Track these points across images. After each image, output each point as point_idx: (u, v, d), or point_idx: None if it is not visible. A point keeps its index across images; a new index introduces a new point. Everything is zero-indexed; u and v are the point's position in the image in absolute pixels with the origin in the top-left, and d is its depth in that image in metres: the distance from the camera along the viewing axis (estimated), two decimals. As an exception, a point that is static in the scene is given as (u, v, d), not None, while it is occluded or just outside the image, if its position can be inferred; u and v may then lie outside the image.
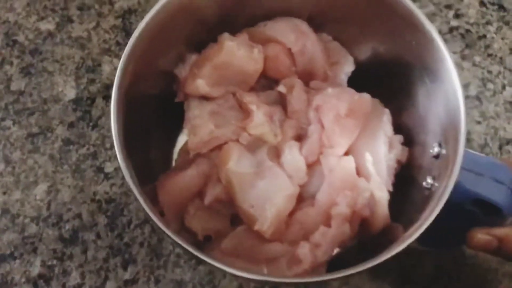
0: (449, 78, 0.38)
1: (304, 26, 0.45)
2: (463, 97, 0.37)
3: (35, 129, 0.54)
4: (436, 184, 0.37)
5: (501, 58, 0.58)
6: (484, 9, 0.61)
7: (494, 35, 0.60)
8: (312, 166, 0.43)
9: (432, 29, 0.38)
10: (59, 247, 0.49)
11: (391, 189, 0.42)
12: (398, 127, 0.45)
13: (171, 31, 0.41)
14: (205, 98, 0.44)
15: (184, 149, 0.47)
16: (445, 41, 0.57)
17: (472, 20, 0.60)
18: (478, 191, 0.36)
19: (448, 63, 0.37)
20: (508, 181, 0.36)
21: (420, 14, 0.39)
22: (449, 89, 0.38)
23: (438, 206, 0.34)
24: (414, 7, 0.39)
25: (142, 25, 0.39)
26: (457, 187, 0.35)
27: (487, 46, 0.59)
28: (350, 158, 0.41)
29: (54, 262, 0.49)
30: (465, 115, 0.36)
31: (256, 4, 0.44)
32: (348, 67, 0.47)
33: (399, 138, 0.43)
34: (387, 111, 0.44)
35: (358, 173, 0.42)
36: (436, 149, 0.39)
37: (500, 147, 0.55)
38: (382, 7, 0.41)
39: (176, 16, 0.41)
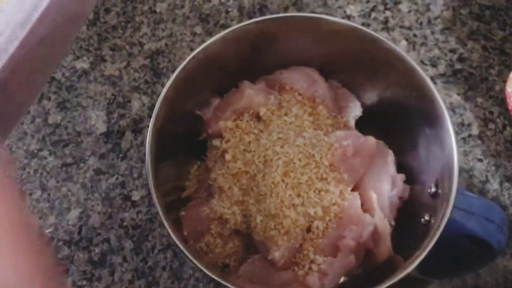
0: (444, 127, 0.41)
1: (315, 74, 0.49)
2: (456, 144, 0.40)
3: (69, 160, 0.57)
4: (432, 221, 0.40)
5: (502, 99, 0.60)
6: (486, 53, 0.63)
7: (496, 78, 0.62)
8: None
9: (430, 83, 0.42)
10: (88, 269, 0.52)
11: (393, 223, 0.45)
12: (402, 166, 0.47)
13: (197, 78, 0.45)
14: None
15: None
16: (449, 83, 0.62)
17: (475, 64, 0.62)
18: (470, 229, 0.39)
19: (443, 114, 0.41)
20: (498, 220, 0.39)
21: (420, 71, 0.42)
22: (444, 136, 0.41)
23: (433, 240, 0.37)
24: (414, 64, 0.42)
25: (174, 74, 0.43)
26: (451, 224, 0.38)
27: (489, 88, 0.61)
28: (356, 194, 0.44)
29: (84, 282, 0.52)
30: (458, 160, 0.39)
31: (272, 55, 0.48)
32: (356, 111, 0.50)
33: (401, 176, 0.46)
34: (390, 152, 0.47)
35: (363, 208, 0.44)
36: (433, 189, 0.42)
37: (501, 184, 0.57)
38: (386, 60, 0.44)
39: (202, 66, 0.45)
